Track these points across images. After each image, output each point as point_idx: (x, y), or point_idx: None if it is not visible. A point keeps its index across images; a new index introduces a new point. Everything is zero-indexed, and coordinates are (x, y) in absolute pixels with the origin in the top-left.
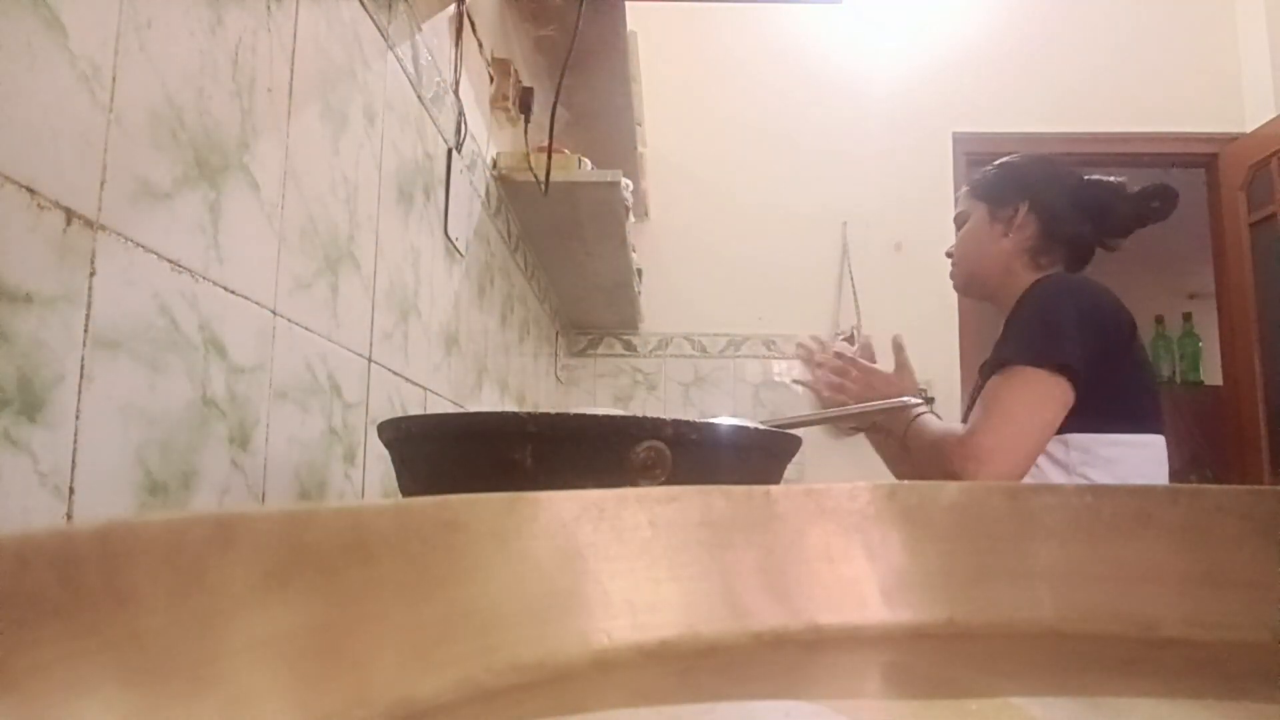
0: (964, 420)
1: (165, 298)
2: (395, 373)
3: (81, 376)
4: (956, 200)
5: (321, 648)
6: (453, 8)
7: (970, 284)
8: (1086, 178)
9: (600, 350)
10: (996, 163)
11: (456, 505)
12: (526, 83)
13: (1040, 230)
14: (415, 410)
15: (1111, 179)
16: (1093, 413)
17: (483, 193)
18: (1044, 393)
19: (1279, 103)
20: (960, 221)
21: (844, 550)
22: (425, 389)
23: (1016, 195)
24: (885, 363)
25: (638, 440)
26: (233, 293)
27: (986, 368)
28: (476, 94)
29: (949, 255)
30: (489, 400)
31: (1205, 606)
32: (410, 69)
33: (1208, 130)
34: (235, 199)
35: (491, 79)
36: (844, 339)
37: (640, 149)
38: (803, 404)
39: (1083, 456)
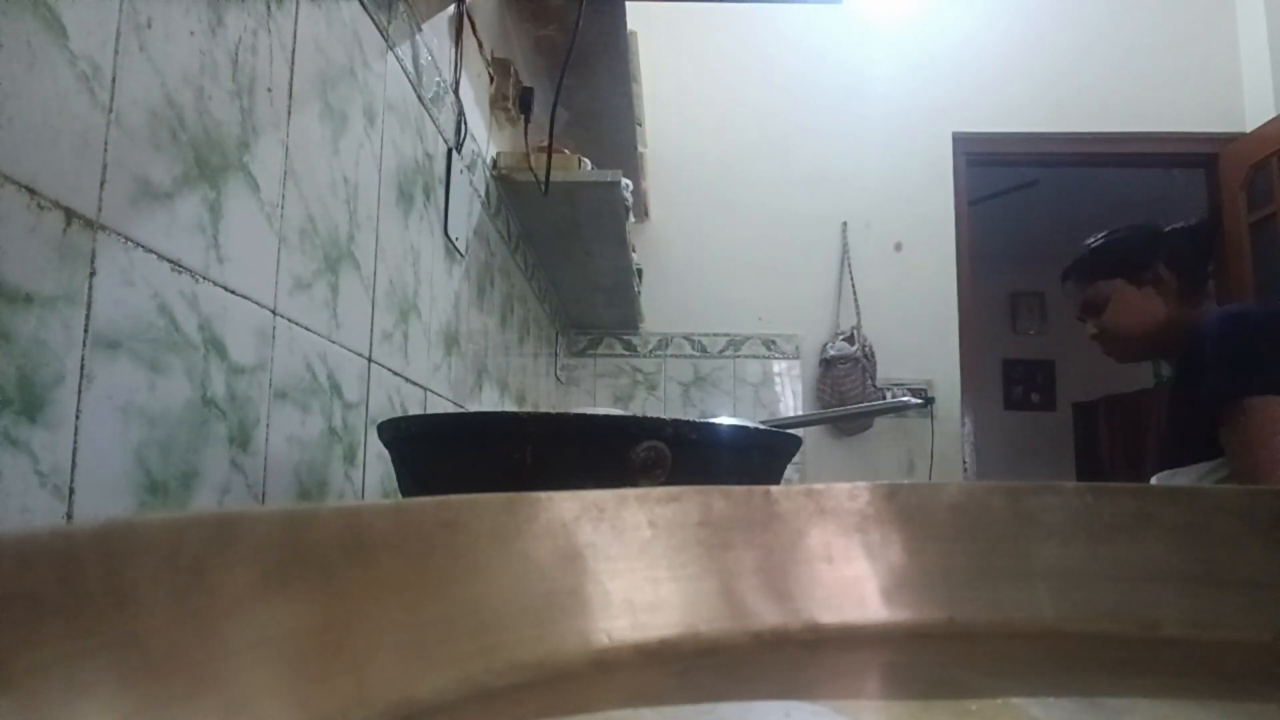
0: (1162, 440)
1: (165, 298)
2: (395, 373)
3: (81, 376)
4: (1070, 293)
5: (321, 648)
6: (453, 8)
7: (1144, 351)
8: (1168, 229)
9: (600, 350)
10: (1096, 246)
11: (456, 505)
12: (526, 83)
13: (1178, 275)
14: (415, 410)
15: (1178, 224)
16: None
17: (483, 193)
18: None
19: (1279, 103)
20: (1093, 306)
21: (844, 550)
22: (425, 389)
23: (1148, 259)
24: (885, 362)
25: (638, 440)
26: (233, 293)
27: (1205, 398)
28: (476, 94)
29: (1096, 338)
30: (489, 400)
31: (1205, 606)
32: (410, 69)
33: (1208, 130)
34: (235, 199)
35: (491, 79)
36: (844, 339)
37: (640, 149)
38: (802, 404)
39: None
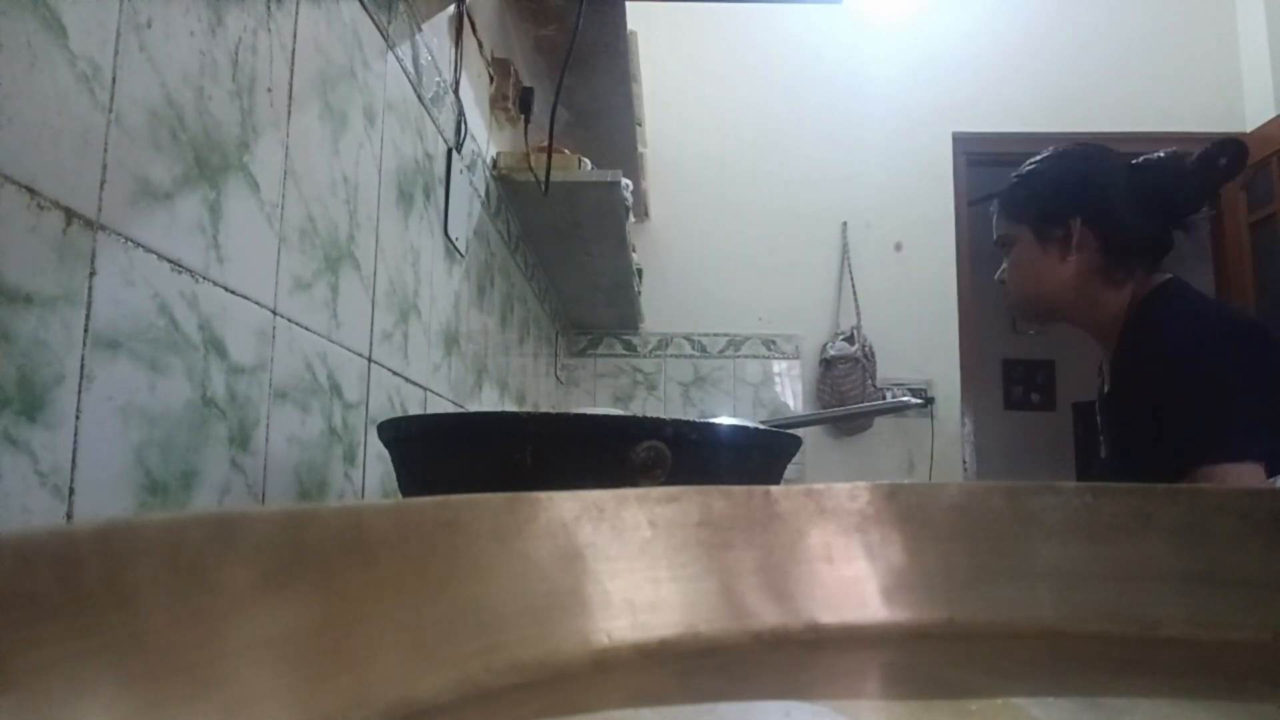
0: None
1: (165, 298)
2: (395, 373)
3: (81, 376)
4: (994, 221)
5: (321, 648)
6: (453, 8)
7: (1038, 313)
8: (1135, 163)
9: (600, 350)
10: (1023, 172)
11: (456, 505)
12: (526, 83)
13: (1103, 243)
14: (415, 410)
15: (1162, 155)
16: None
17: (483, 193)
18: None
19: (1279, 103)
20: (1004, 245)
21: (844, 550)
22: (425, 389)
23: (1064, 211)
24: (885, 362)
25: (638, 440)
26: (233, 293)
27: (1169, 454)
28: (476, 94)
29: (1001, 282)
30: (489, 400)
31: (1205, 606)
32: (410, 69)
33: (1208, 130)
34: (235, 199)
35: (491, 79)
36: (844, 339)
37: (640, 149)
38: (802, 404)
39: None
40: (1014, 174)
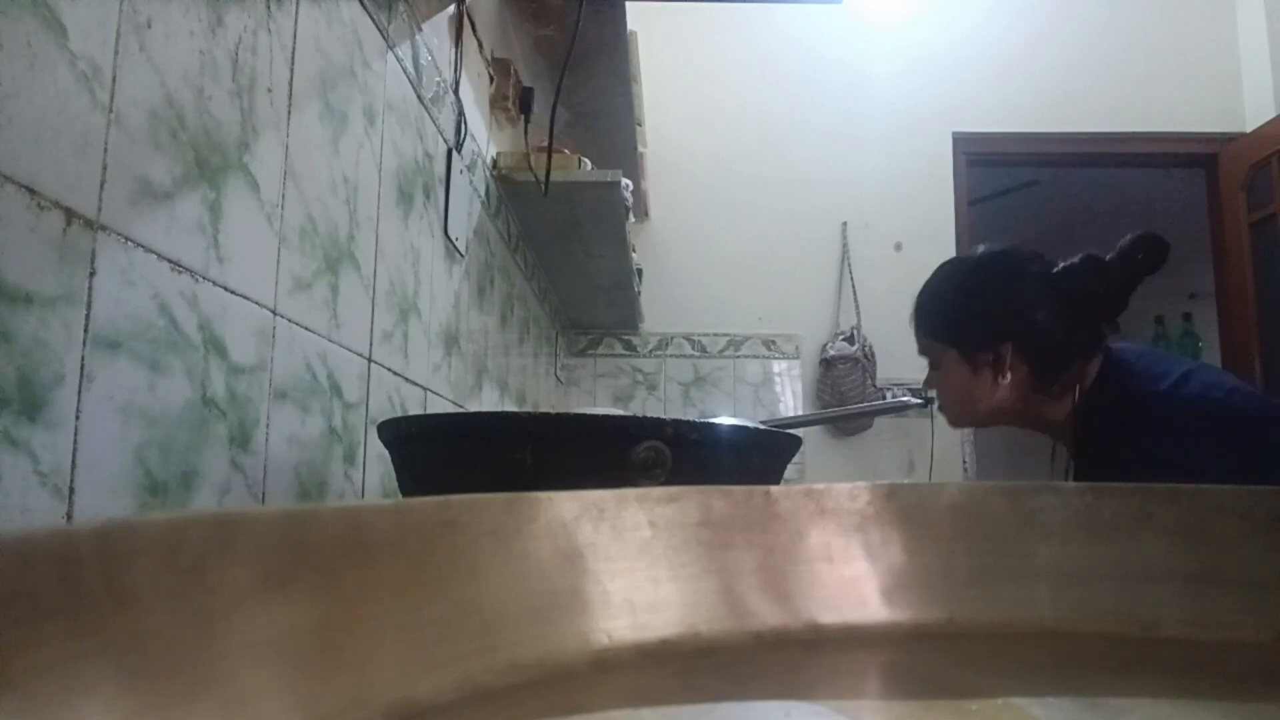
0: None
1: (165, 298)
2: (395, 373)
3: (81, 376)
4: (915, 332)
5: (321, 648)
6: (453, 8)
7: (976, 425)
8: (1053, 274)
9: (600, 350)
10: (936, 290)
11: (456, 505)
12: (526, 83)
13: (1035, 363)
14: (415, 410)
15: (1078, 260)
16: None
17: (483, 193)
18: None
19: (1279, 103)
20: (926, 356)
21: (844, 550)
22: (425, 389)
23: (991, 338)
24: (885, 362)
25: (638, 440)
26: (233, 293)
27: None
28: (476, 94)
29: (928, 393)
30: (489, 400)
31: (1205, 606)
32: (410, 69)
33: (1208, 130)
34: (235, 199)
35: (491, 79)
36: (844, 339)
37: (640, 149)
38: (802, 404)
39: None
40: (922, 290)
